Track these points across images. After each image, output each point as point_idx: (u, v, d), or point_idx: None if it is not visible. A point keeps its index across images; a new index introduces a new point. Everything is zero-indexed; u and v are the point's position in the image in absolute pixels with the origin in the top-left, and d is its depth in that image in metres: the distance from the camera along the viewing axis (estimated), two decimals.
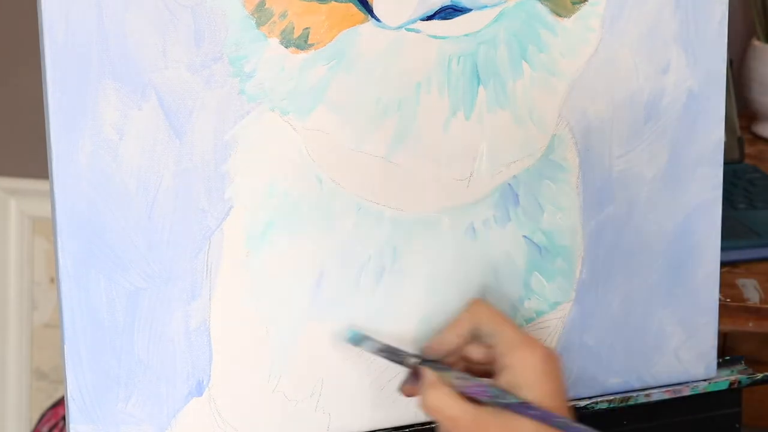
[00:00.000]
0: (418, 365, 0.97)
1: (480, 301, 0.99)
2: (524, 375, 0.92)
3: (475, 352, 0.97)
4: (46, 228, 1.97)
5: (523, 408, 0.91)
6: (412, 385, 0.98)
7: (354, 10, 0.96)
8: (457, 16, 0.98)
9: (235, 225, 0.96)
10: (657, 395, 1.10)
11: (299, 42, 0.95)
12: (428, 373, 0.95)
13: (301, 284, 0.99)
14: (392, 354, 0.98)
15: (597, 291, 1.08)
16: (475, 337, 0.97)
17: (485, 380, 0.94)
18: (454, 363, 0.98)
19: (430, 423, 1.04)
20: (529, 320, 1.06)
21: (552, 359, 0.94)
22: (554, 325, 1.07)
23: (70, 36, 0.90)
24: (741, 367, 1.14)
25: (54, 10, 0.89)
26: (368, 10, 0.96)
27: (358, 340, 0.99)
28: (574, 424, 0.91)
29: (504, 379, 0.93)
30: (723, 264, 1.16)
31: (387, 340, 0.99)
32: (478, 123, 1.01)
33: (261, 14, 0.94)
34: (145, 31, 0.91)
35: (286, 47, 0.95)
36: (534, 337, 0.96)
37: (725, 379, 1.11)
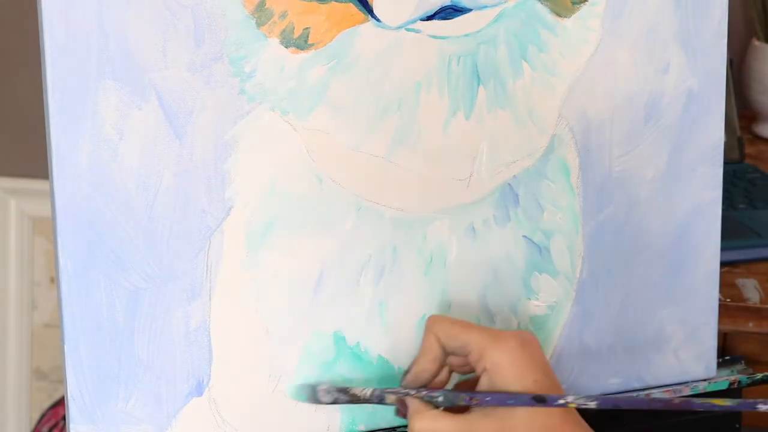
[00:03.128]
0: (401, 397, 0.95)
1: (436, 318, 0.96)
2: (504, 373, 0.91)
3: (457, 363, 0.96)
4: (46, 228, 1.97)
5: (510, 398, 0.90)
6: (404, 415, 0.96)
7: (354, 10, 0.96)
8: (457, 16, 0.98)
9: (235, 225, 0.96)
10: (657, 395, 1.10)
11: (299, 42, 0.95)
12: (411, 402, 0.94)
13: (301, 284, 0.99)
14: (371, 398, 0.96)
15: (597, 291, 1.08)
16: (448, 353, 0.95)
17: (469, 392, 0.93)
18: (442, 382, 0.97)
19: None
20: (529, 320, 1.06)
21: (526, 344, 0.92)
22: (554, 325, 1.07)
23: (70, 36, 0.90)
24: (741, 367, 1.14)
25: (54, 10, 0.89)
26: (368, 10, 0.96)
27: (315, 395, 0.98)
28: (563, 398, 0.90)
29: (486, 381, 0.92)
30: (723, 264, 1.16)
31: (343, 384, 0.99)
32: (478, 123, 1.01)
33: (261, 14, 0.94)
34: (145, 31, 0.91)
35: (286, 47, 0.95)
36: (501, 330, 0.94)
37: (725, 379, 1.11)
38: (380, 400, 0.96)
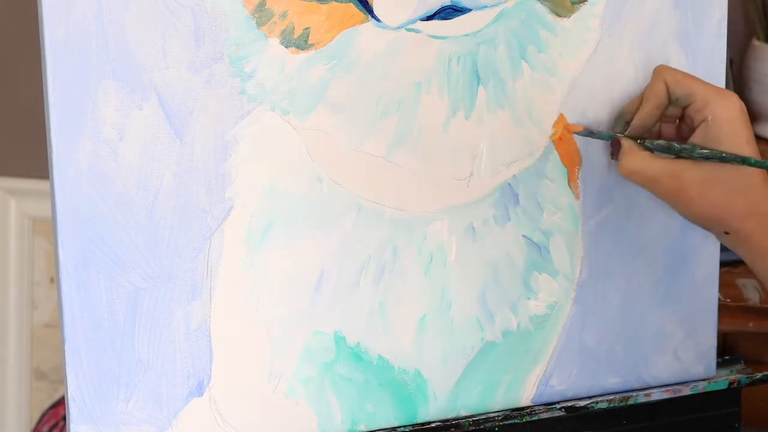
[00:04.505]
0: (617, 136, 1.00)
1: (665, 67, 1.01)
2: (722, 126, 0.96)
3: (669, 111, 1.00)
4: (46, 228, 1.97)
5: (722, 156, 0.95)
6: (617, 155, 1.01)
7: (354, 10, 0.96)
8: (457, 16, 0.98)
9: (235, 225, 0.96)
10: (657, 395, 1.10)
11: (299, 42, 0.95)
12: (625, 142, 0.99)
13: (301, 284, 0.99)
14: (592, 133, 1.02)
15: (597, 291, 1.08)
16: (672, 101, 1.00)
17: (692, 143, 0.97)
18: (655, 135, 1.02)
19: (428, 423, 1.04)
20: (528, 319, 1.06)
21: (743, 107, 0.97)
22: (554, 324, 1.07)
23: (70, 36, 0.90)
24: (740, 366, 1.14)
25: (54, 10, 0.89)
26: (368, 10, 0.96)
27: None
28: None
29: (701, 133, 0.96)
30: (723, 264, 1.16)
31: None
32: (478, 123, 1.01)
33: (261, 14, 0.94)
34: (145, 31, 0.91)
35: (286, 47, 0.95)
36: (723, 88, 0.99)
37: (725, 378, 1.11)
38: (600, 136, 1.02)
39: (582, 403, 1.07)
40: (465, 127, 1.01)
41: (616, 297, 1.09)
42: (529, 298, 1.06)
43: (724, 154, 0.95)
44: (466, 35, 0.99)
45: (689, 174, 0.96)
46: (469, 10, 0.98)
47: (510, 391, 1.06)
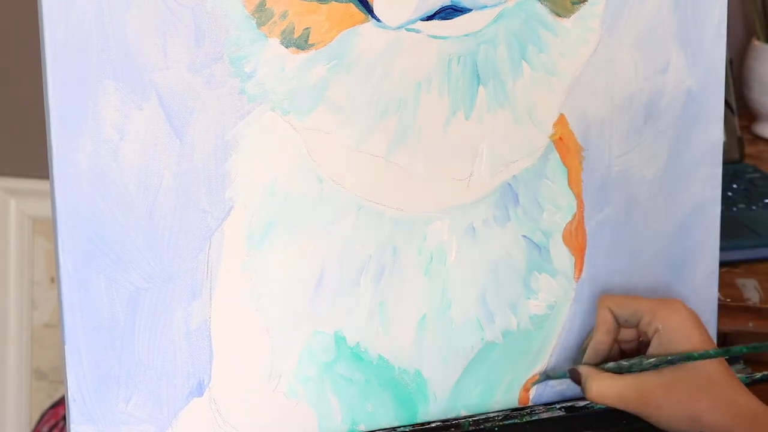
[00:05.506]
0: (573, 369, 1.03)
1: (606, 296, 1.04)
2: (674, 331, 0.99)
3: (626, 338, 1.04)
4: (46, 228, 1.97)
5: (681, 358, 0.97)
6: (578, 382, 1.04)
7: (354, 10, 0.96)
8: (457, 16, 0.98)
9: (235, 225, 0.96)
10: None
11: (299, 42, 0.95)
12: (584, 369, 1.03)
13: (302, 284, 0.99)
14: (549, 377, 1.07)
15: (597, 291, 1.08)
16: (621, 324, 1.03)
17: (639, 357, 1.00)
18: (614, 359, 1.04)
19: (428, 423, 1.04)
20: (528, 319, 1.06)
21: (691, 312, 1.00)
22: (554, 324, 1.07)
23: (70, 36, 0.90)
24: (740, 366, 1.14)
25: (54, 9, 0.89)
26: (368, 10, 0.96)
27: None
28: (735, 352, 0.98)
29: (657, 344, 0.99)
30: (723, 264, 1.16)
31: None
32: (478, 123, 1.01)
33: (261, 14, 0.94)
34: (145, 31, 0.91)
35: (286, 47, 0.95)
36: (664, 298, 1.03)
37: None
38: (556, 376, 1.06)
39: (582, 403, 1.07)
40: (465, 127, 1.01)
41: None
42: (529, 298, 1.06)
43: (669, 357, 0.98)
44: (467, 35, 0.99)
45: (651, 384, 0.99)
46: (469, 10, 0.98)
47: (510, 391, 1.07)
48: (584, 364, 1.04)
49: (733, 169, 1.71)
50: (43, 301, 1.98)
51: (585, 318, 1.08)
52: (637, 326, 1.02)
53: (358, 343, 1.02)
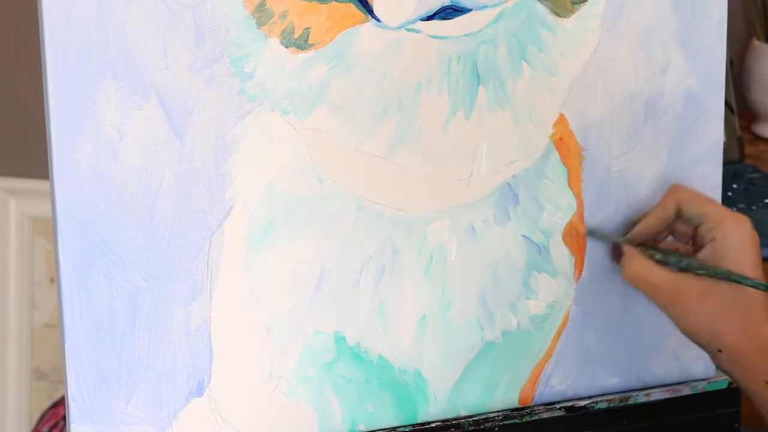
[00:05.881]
0: (620, 242, 1.02)
1: (680, 186, 1.02)
2: (731, 246, 0.97)
3: (681, 229, 1.02)
4: (46, 228, 1.97)
5: (725, 274, 0.96)
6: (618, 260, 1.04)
7: (354, 10, 0.96)
8: (457, 16, 0.98)
9: (235, 225, 0.96)
10: (657, 395, 1.10)
11: (299, 42, 0.95)
12: (628, 248, 1.01)
13: (302, 284, 0.99)
14: (597, 235, 1.05)
15: (597, 291, 1.08)
16: (678, 219, 1.01)
17: (690, 258, 0.99)
18: (659, 245, 1.03)
19: (428, 423, 1.04)
20: (528, 319, 1.06)
21: (753, 228, 0.98)
22: (553, 324, 1.07)
23: (70, 36, 0.90)
24: None
25: (54, 9, 0.89)
26: (368, 10, 0.96)
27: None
28: None
29: (709, 252, 0.98)
30: None
31: None
32: (478, 123, 1.01)
33: (261, 14, 0.94)
34: (145, 31, 0.91)
35: (286, 47, 0.95)
36: (732, 211, 1.00)
37: (724, 378, 1.11)
38: (600, 238, 1.05)
39: (582, 403, 1.07)
40: (465, 127, 1.01)
41: (616, 297, 1.08)
42: (529, 298, 1.06)
43: (719, 271, 0.97)
44: (466, 35, 0.99)
45: (689, 286, 0.97)
46: (469, 10, 0.98)
47: (510, 391, 1.06)
48: (628, 242, 1.02)
49: (733, 169, 1.71)
50: (43, 301, 1.98)
51: (585, 318, 1.08)
52: (696, 227, 1.00)
53: (358, 343, 1.02)
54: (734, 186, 1.66)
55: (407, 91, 0.98)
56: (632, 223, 1.05)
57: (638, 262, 1.00)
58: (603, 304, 1.08)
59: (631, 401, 1.09)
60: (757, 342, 0.96)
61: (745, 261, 0.97)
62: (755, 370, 0.96)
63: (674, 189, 1.02)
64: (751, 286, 0.96)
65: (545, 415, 1.06)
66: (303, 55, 0.95)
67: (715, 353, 0.98)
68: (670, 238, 1.05)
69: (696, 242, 1.02)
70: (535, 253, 1.05)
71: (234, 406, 0.99)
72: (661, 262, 1.00)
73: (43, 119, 0.91)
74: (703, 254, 0.99)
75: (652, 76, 1.06)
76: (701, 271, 0.97)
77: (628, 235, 1.04)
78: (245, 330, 0.98)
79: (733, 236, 0.98)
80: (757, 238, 0.98)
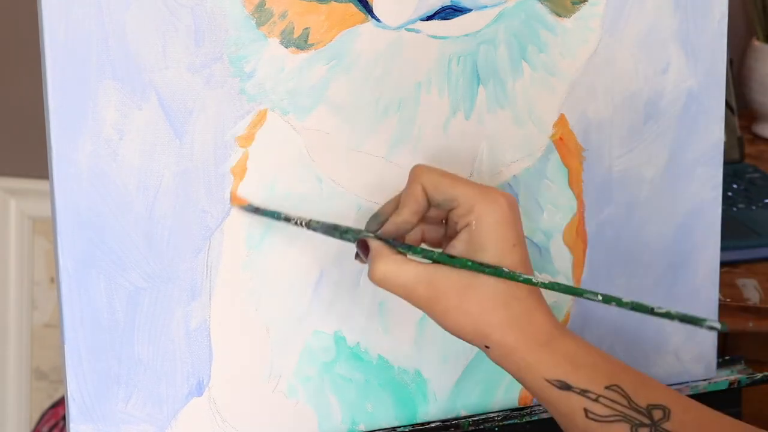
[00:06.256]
0: (365, 237, 0.90)
1: (424, 168, 0.90)
2: (488, 231, 0.87)
3: (435, 216, 0.91)
4: (46, 228, 1.97)
5: (476, 267, 0.86)
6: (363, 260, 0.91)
7: (354, 10, 0.96)
8: (457, 16, 0.98)
9: (235, 225, 0.96)
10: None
11: (299, 42, 0.95)
12: (374, 243, 0.89)
13: (301, 284, 0.99)
14: (332, 230, 0.92)
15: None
16: (432, 206, 0.90)
17: (440, 252, 0.88)
18: (415, 240, 0.92)
19: (428, 423, 1.04)
20: None
21: (513, 206, 0.88)
22: None
23: (70, 36, 0.90)
24: (741, 366, 1.14)
25: (54, 10, 0.89)
26: (368, 10, 0.96)
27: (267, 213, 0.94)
28: (537, 278, 0.87)
29: (463, 240, 0.87)
30: (723, 264, 1.16)
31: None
32: (478, 123, 1.01)
33: (261, 14, 0.94)
34: (145, 31, 0.91)
35: (286, 47, 0.95)
36: (489, 187, 0.89)
37: (725, 378, 1.11)
38: (341, 235, 0.91)
39: None
40: (465, 127, 1.01)
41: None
42: None
43: (470, 263, 0.86)
44: (466, 35, 0.99)
45: (446, 281, 0.86)
46: (469, 10, 0.98)
47: (510, 391, 1.06)
48: (377, 237, 0.89)
49: (733, 169, 1.71)
50: (43, 301, 1.98)
51: (585, 318, 1.08)
52: (448, 211, 0.89)
53: (357, 343, 1.02)
54: (734, 186, 1.66)
55: (407, 91, 0.98)
56: (374, 216, 0.92)
57: (385, 261, 0.87)
58: (603, 304, 1.08)
59: None
60: (526, 336, 0.86)
61: (504, 243, 0.86)
62: (529, 367, 0.86)
63: (416, 172, 0.89)
64: (506, 278, 0.86)
65: (545, 415, 1.06)
66: (303, 55, 0.95)
67: (484, 350, 0.88)
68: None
69: (451, 229, 0.90)
70: (536, 253, 1.05)
71: (234, 406, 0.99)
72: (413, 257, 0.88)
73: (43, 119, 0.91)
74: (459, 243, 0.87)
75: (653, 76, 1.06)
76: (459, 265, 0.86)
77: (379, 231, 0.90)
78: (245, 330, 0.98)
79: (487, 219, 0.86)
80: (516, 216, 0.87)
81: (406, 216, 0.89)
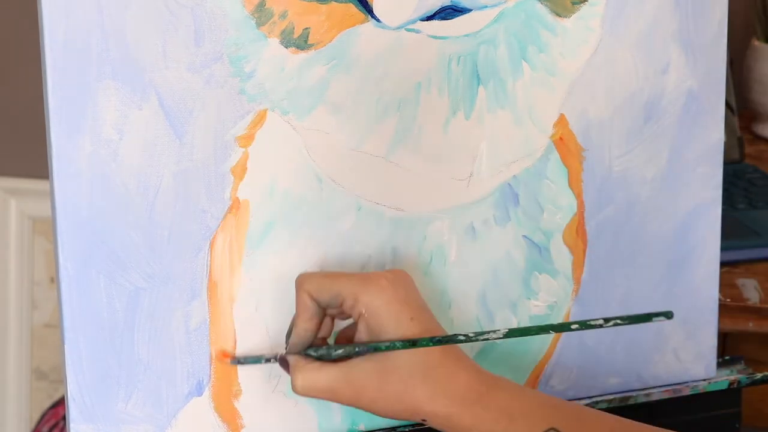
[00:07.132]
0: (282, 356, 0.94)
1: (305, 276, 0.93)
2: (380, 315, 0.90)
3: (336, 313, 0.94)
4: (46, 228, 1.97)
5: (380, 348, 0.89)
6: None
7: (354, 10, 0.96)
8: (457, 16, 0.98)
9: (235, 225, 0.96)
10: (657, 395, 1.10)
11: (299, 42, 0.95)
12: (291, 358, 0.92)
13: None
14: (255, 359, 0.97)
15: (597, 291, 1.08)
16: (324, 307, 0.93)
17: (342, 345, 0.92)
18: (326, 333, 0.95)
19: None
20: (528, 320, 1.06)
21: (398, 282, 0.91)
22: None
23: (70, 36, 0.90)
24: (741, 366, 1.14)
25: (54, 10, 0.89)
26: (368, 10, 0.96)
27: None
28: (439, 337, 0.89)
29: (363, 327, 0.90)
30: (723, 264, 1.16)
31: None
32: (478, 123, 1.01)
33: (261, 14, 0.94)
34: (145, 31, 0.91)
35: (286, 47, 0.95)
36: (370, 273, 0.93)
37: (725, 378, 1.11)
38: (266, 361, 0.96)
39: (582, 404, 1.07)
40: (465, 127, 1.01)
41: (616, 297, 1.09)
42: (529, 298, 1.06)
43: (370, 345, 0.89)
44: (466, 35, 0.99)
45: (363, 373, 0.89)
46: (469, 10, 0.98)
47: None
48: (288, 353, 0.93)
49: (733, 169, 1.71)
50: (43, 301, 1.99)
51: (585, 318, 1.08)
52: (341, 307, 0.92)
53: None
54: (734, 186, 1.66)
55: (407, 91, 0.98)
56: (288, 330, 0.95)
57: (303, 371, 0.90)
58: (603, 304, 1.08)
59: (631, 401, 1.09)
60: (454, 400, 0.88)
61: (401, 319, 0.89)
62: (470, 428, 0.88)
63: (299, 281, 0.93)
64: (406, 348, 0.88)
65: None
66: (303, 55, 0.95)
67: (425, 423, 0.90)
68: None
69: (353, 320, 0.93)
70: (536, 253, 1.05)
71: (234, 405, 0.99)
72: (326, 358, 0.91)
73: (43, 119, 0.91)
74: (361, 333, 0.90)
75: (653, 76, 1.06)
76: (365, 352, 0.89)
77: (288, 348, 0.94)
78: (245, 330, 0.98)
79: (375, 304, 0.90)
80: (405, 289, 0.90)
81: (302, 325, 0.92)
